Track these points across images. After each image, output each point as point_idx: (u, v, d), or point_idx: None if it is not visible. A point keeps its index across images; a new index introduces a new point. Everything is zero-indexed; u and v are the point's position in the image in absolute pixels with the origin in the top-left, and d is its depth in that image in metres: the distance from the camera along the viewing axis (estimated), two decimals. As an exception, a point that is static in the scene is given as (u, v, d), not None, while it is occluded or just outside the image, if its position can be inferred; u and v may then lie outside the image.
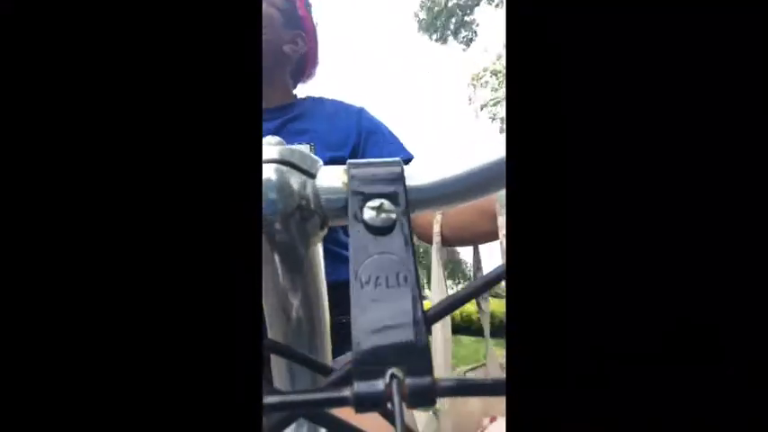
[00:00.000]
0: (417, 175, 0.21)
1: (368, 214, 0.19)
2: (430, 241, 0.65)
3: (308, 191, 0.19)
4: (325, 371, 0.21)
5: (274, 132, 0.66)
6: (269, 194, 0.19)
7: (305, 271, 0.21)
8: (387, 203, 0.19)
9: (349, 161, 0.21)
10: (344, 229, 0.20)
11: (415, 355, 0.15)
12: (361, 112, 0.75)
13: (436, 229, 0.64)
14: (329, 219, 0.20)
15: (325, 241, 0.22)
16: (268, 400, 0.15)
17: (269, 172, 0.19)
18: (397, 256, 0.18)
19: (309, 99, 0.76)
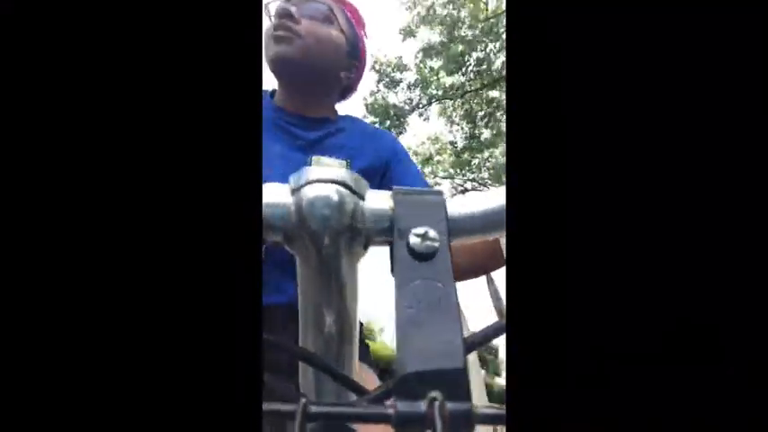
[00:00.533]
0: (458, 206, 0.22)
1: (413, 240, 0.20)
2: None
3: (358, 212, 0.21)
4: (353, 385, 0.22)
5: (314, 142, 0.71)
6: (324, 210, 0.20)
7: (343, 287, 0.22)
8: (431, 231, 0.20)
9: (395, 187, 0.22)
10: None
11: (455, 381, 0.16)
12: (393, 138, 0.81)
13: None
14: (372, 240, 0.21)
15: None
16: (313, 409, 0.15)
17: (328, 190, 0.20)
18: (439, 282, 0.19)
19: (348, 117, 0.81)
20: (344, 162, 0.71)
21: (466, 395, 0.15)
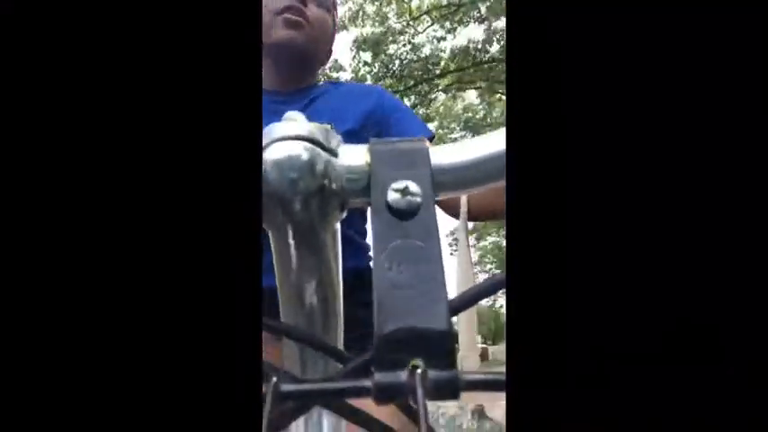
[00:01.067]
0: (444, 156, 0.20)
1: (392, 197, 0.18)
2: (457, 216, 0.64)
3: (330, 170, 0.19)
4: (338, 355, 0.21)
5: (301, 111, 0.69)
6: (291, 173, 0.18)
7: (322, 253, 0.20)
8: (412, 185, 0.18)
9: (372, 139, 0.20)
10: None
11: (439, 347, 0.14)
12: (380, 91, 0.78)
13: (463, 201, 0.61)
14: (349, 200, 0.19)
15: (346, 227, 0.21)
16: (284, 388, 0.14)
17: (293, 149, 0.18)
18: (421, 241, 0.17)
19: (330, 83, 0.81)
20: (327, 126, 0.71)
21: (450, 361, 0.14)
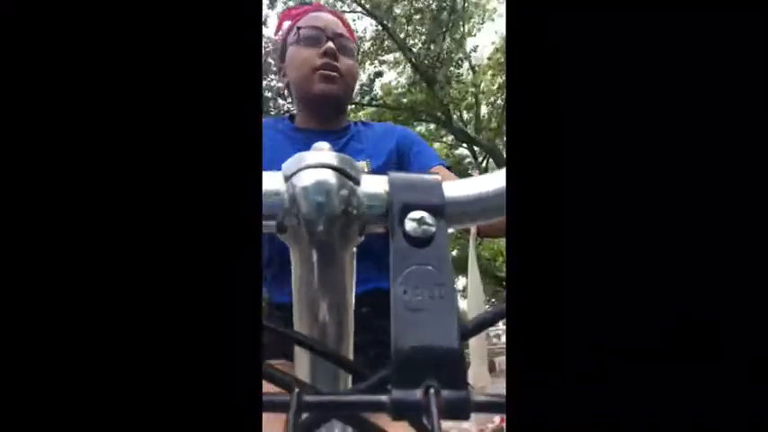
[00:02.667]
0: (455, 189, 0.21)
1: (409, 225, 0.19)
2: (468, 231, 0.68)
3: (353, 197, 0.20)
4: (346, 365, 0.22)
5: (340, 150, 0.78)
6: (318, 197, 0.19)
7: (339, 273, 0.22)
8: (427, 216, 0.19)
9: (390, 172, 0.21)
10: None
11: (452, 368, 0.15)
12: (402, 130, 0.92)
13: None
14: (368, 225, 0.21)
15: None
16: (307, 398, 0.15)
17: (323, 176, 0.19)
18: (435, 267, 0.18)
19: (357, 124, 0.92)
20: (365, 162, 0.78)
21: (462, 382, 0.15)
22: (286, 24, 0.88)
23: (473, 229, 0.64)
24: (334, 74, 0.79)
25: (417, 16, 7.74)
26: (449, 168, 0.84)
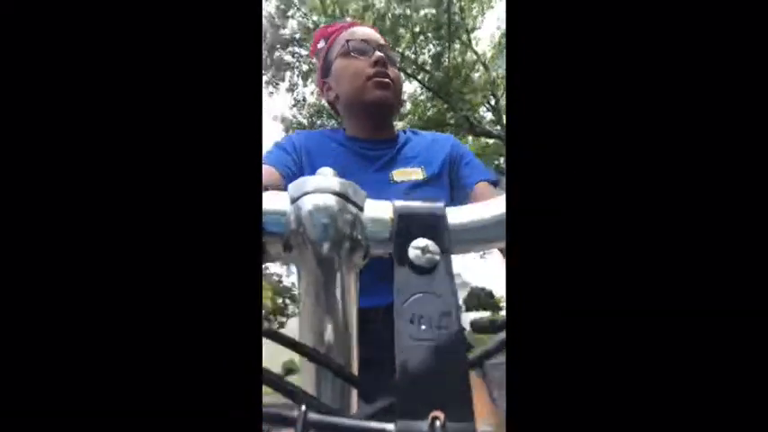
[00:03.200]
0: (460, 216, 0.22)
1: (413, 253, 0.20)
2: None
3: (357, 222, 0.20)
4: (350, 379, 0.22)
5: (393, 158, 0.84)
6: (324, 221, 0.20)
7: (343, 294, 0.22)
8: (431, 245, 0.20)
9: (395, 200, 0.22)
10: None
11: (457, 400, 0.16)
12: (452, 140, 0.92)
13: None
14: (371, 250, 0.21)
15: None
16: (312, 417, 0.16)
17: (327, 201, 0.20)
18: (440, 295, 0.19)
19: (407, 132, 0.94)
20: (420, 169, 0.78)
21: (468, 414, 0.16)
22: (322, 43, 0.90)
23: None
24: (387, 80, 0.82)
25: (420, 33, 7.70)
26: (495, 183, 0.86)
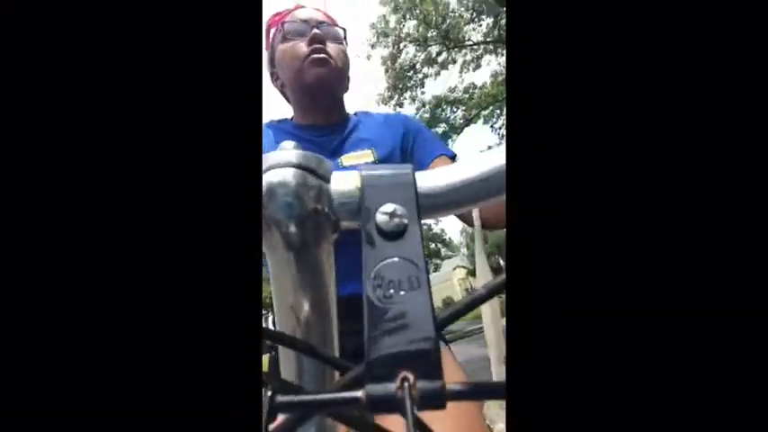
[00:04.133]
0: (428, 181, 0.21)
1: (380, 219, 0.19)
2: (472, 224, 0.67)
3: (323, 195, 0.20)
4: (332, 362, 0.22)
5: (342, 143, 0.79)
6: (286, 198, 0.19)
7: (317, 272, 0.21)
8: (399, 209, 0.19)
9: (362, 166, 0.21)
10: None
11: (426, 359, 0.15)
12: (406, 117, 0.89)
13: (475, 213, 0.65)
14: (341, 222, 0.21)
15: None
16: (280, 399, 0.15)
17: (286, 175, 0.19)
18: (408, 260, 0.18)
19: (359, 114, 0.90)
20: (371, 151, 0.77)
21: (437, 372, 0.15)
22: (272, 32, 0.87)
23: (477, 222, 0.63)
24: (324, 56, 0.77)
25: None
26: (453, 158, 0.83)
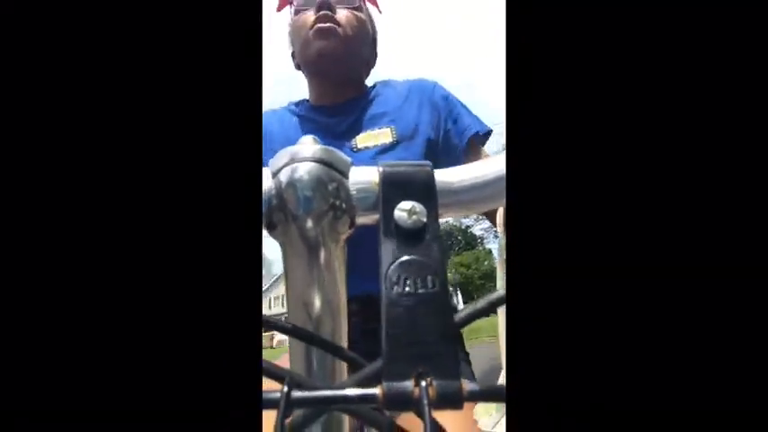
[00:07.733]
0: (449, 177, 0.21)
1: (399, 215, 0.19)
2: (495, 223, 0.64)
3: (341, 190, 0.20)
4: (339, 352, 0.21)
5: (355, 121, 0.69)
6: (305, 192, 0.19)
7: (330, 267, 0.21)
8: (418, 206, 0.19)
9: (381, 162, 0.21)
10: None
11: (443, 359, 0.15)
12: (433, 87, 0.76)
13: (500, 213, 0.61)
14: (358, 218, 0.21)
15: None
16: (296, 395, 0.15)
17: (305, 170, 0.19)
18: (426, 258, 0.18)
19: (378, 84, 0.79)
20: (389, 129, 0.71)
21: (455, 371, 0.15)
22: (289, 9, 0.78)
23: (500, 220, 0.60)
24: (329, 25, 0.67)
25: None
26: (488, 134, 0.73)
